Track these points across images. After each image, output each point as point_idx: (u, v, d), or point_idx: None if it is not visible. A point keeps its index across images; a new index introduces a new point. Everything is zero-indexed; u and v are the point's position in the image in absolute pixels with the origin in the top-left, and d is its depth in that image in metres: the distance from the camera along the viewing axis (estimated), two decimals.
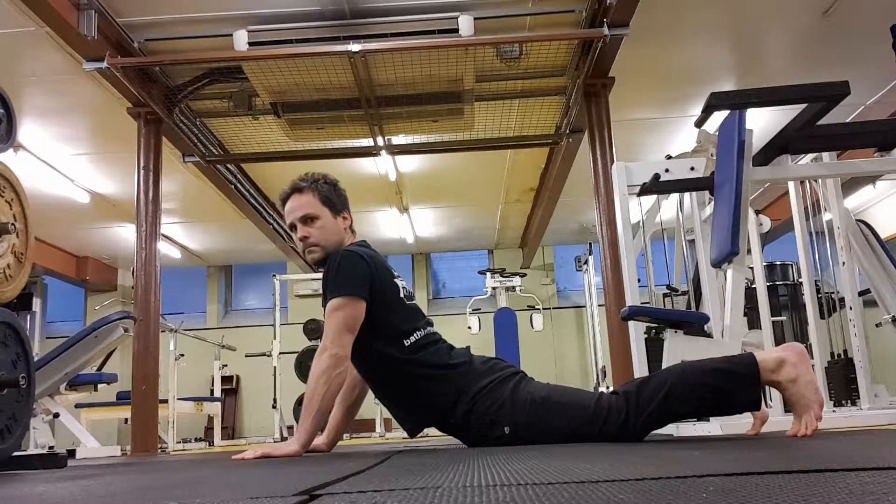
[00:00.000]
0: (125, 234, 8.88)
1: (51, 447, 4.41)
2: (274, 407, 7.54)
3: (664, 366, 3.51)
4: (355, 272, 2.11)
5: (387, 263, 2.25)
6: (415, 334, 2.13)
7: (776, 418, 2.50)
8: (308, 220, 2.22)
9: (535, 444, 1.92)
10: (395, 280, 2.22)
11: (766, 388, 2.32)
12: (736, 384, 1.87)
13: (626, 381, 2.09)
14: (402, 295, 2.20)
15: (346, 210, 2.30)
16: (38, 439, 4.60)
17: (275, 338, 7.90)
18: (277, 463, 1.72)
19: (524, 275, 9.74)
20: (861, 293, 3.49)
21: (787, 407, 2.05)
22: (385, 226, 9.41)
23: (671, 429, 2.81)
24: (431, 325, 2.23)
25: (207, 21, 4.87)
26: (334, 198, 2.26)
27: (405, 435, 2.21)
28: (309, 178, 2.26)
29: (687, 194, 3.78)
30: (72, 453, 4.72)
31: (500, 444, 1.99)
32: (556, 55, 5.28)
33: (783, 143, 2.70)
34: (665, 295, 4.66)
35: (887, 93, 6.25)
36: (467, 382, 2.07)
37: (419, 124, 6.09)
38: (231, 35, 4.81)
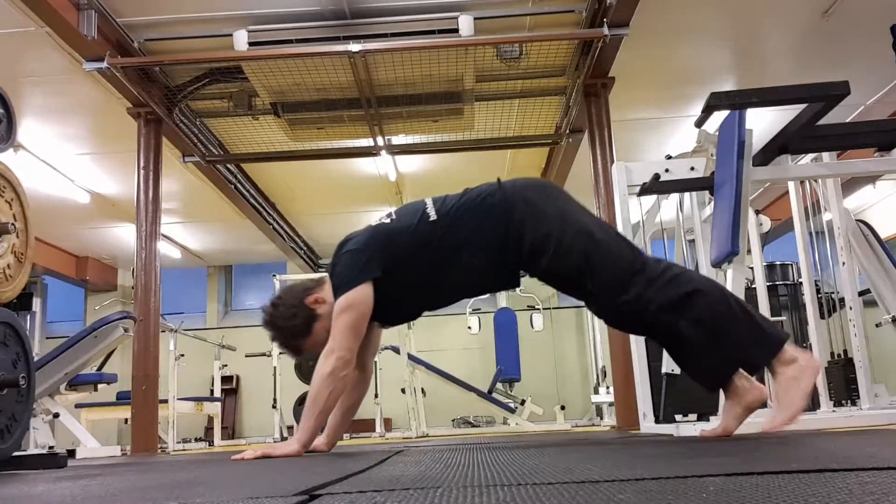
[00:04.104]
0: (125, 234, 8.88)
1: (51, 447, 4.40)
2: (274, 407, 7.54)
3: (664, 368, 3.53)
4: (354, 266, 2.09)
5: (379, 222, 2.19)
6: (428, 214, 2.09)
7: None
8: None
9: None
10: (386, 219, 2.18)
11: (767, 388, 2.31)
12: (756, 336, 1.88)
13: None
14: (390, 221, 2.16)
15: (309, 307, 2.17)
16: (38, 439, 4.60)
17: None
18: (277, 463, 1.72)
19: (524, 275, 9.72)
20: (861, 293, 3.48)
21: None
22: None
23: (671, 429, 2.81)
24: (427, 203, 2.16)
25: (207, 21, 4.88)
26: (296, 331, 2.18)
27: (405, 435, 2.21)
28: (268, 329, 2.22)
29: (687, 194, 3.77)
30: (72, 453, 4.71)
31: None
32: (556, 55, 5.28)
33: (783, 143, 2.70)
34: None
35: (887, 93, 6.25)
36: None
37: (419, 124, 6.10)
38: (231, 35, 4.81)
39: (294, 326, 2.18)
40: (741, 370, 1.99)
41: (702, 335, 1.90)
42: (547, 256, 1.98)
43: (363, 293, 2.05)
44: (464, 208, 2.09)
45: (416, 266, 2.09)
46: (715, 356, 1.94)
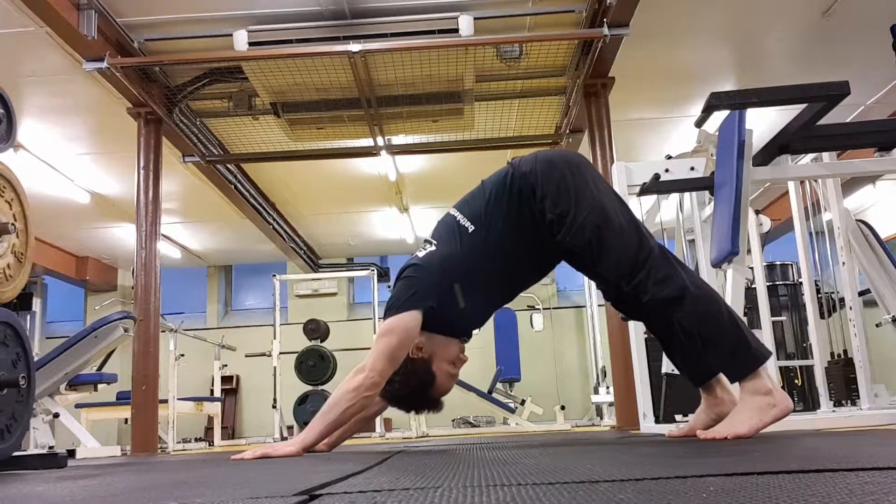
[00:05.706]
0: (125, 234, 8.88)
1: (51, 447, 4.40)
2: (274, 407, 7.54)
3: (664, 368, 3.52)
4: (406, 292, 2.06)
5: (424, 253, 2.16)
6: (465, 226, 2.09)
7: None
8: None
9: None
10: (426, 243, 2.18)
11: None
12: (738, 349, 1.88)
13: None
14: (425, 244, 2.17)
15: (417, 360, 2.11)
16: (38, 439, 4.60)
17: (275, 338, 7.90)
18: (277, 463, 1.72)
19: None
20: (861, 293, 3.48)
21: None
22: (385, 226, 9.41)
23: (671, 429, 2.81)
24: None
25: (207, 21, 4.88)
26: (423, 386, 2.14)
27: (405, 435, 2.20)
28: (396, 406, 2.24)
29: (687, 194, 3.77)
30: (72, 453, 4.71)
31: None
32: (556, 55, 5.28)
33: (783, 143, 2.70)
34: None
35: (887, 93, 6.25)
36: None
37: (419, 124, 6.10)
38: (231, 35, 4.81)
39: (419, 385, 2.14)
40: (723, 377, 2.01)
41: (689, 334, 1.93)
42: (562, 231, 2.00)
43: (408, 320, 2.01)
44: (492, 206, 2.08)
45: (476, 279, 2.08)
46: (698, 357, 1.97)
